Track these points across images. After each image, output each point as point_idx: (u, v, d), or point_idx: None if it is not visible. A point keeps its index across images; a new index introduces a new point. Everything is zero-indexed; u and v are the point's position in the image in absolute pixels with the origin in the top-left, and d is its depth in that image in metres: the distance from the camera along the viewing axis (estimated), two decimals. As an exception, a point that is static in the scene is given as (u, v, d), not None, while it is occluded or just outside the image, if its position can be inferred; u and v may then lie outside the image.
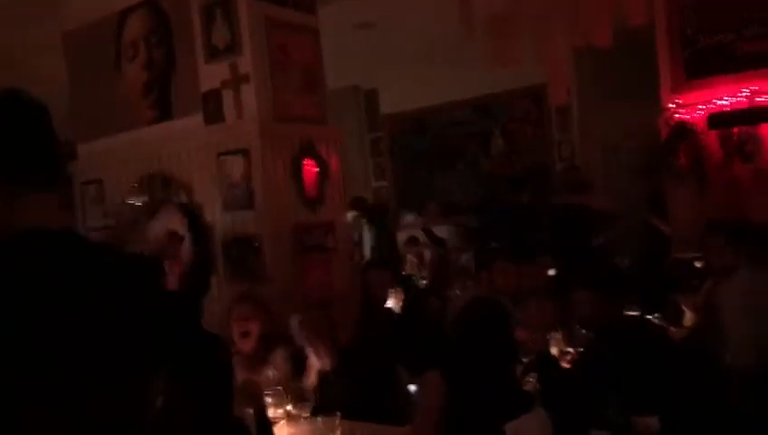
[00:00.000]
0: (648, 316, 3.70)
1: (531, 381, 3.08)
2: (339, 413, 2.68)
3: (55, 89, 5.45)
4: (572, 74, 7.14)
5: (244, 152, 4.24)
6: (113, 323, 1.12)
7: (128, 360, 1.14)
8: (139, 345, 1.15)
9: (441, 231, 6.95)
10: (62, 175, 1.28)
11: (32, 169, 1.18)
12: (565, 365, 3.30)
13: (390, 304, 4.74)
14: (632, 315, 3.46)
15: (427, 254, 6.88)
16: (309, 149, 4.53)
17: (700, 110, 5.90)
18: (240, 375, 3.00)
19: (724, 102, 5.79)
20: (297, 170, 4.45)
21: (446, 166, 8.67)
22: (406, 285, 5.77)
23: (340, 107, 8.07)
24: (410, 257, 7.20)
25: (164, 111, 4.73)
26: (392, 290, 5.60)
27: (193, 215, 3.94)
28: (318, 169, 4.58)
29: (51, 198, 1.19)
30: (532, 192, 6.09)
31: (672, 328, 3.79)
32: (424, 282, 5.87)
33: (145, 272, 1.25)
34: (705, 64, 5.93)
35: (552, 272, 4.67)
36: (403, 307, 4.75)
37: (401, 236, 8.45)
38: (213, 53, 4.35)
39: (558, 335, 3.41)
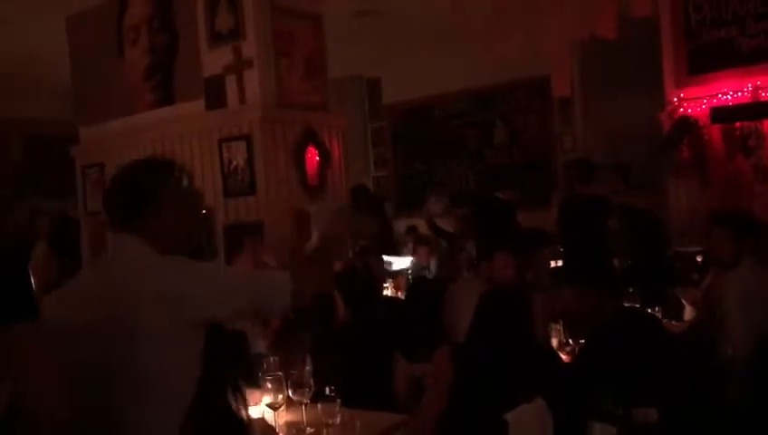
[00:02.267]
0: (648, 309, 3.70)
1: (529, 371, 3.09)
2: (339, 400, 2.68)
3: (58, 73, 5.48)
4: (575, 66, 7.10)
5: (247, 138, 4.23)
6: None
7: None
8: None
9: (445, 222, 6.94)
10: None
11: None
12: (565, 357, 3.31)
13: (390, 292, 4.75)
14: (631, 308, 3.46)
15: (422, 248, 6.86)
16: (311, 136, 4.52)
17: (703, 104, 5.89)
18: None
19: (727, 97, 5.78)
20: (299, 157, 4.45)
21: (447, 156, 8.64)
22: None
23: (342, 96, 8.03)
24: (407, 249, 7.14)
25: (165, 96, 4.72)
26: (390, 279, 5.60)
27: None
28: (320, 157, 4.57)
29: None
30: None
31: (672, 322, 3.79)
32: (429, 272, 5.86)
33: None
34: (708, 59, 5.92)
35: (555, 263, 4.66)
36: (406, 296, 4.76)
37: (401, 225, 8.45)
38: (216, 38, 4.34)
39: (558, 327, 3.41)
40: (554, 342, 3.35)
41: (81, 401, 1.65)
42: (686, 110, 5.97)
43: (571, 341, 3.39)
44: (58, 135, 7.23)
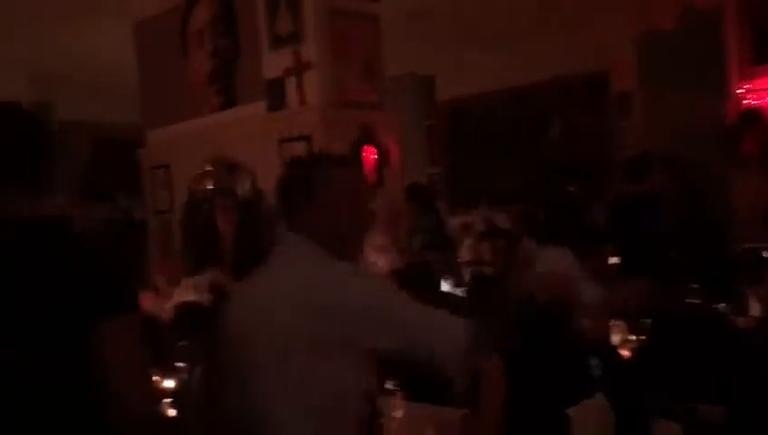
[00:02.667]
0: (713, 305, 3.63)
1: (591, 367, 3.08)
2: (401, 393, 2.73)
3: (126, 76, 5.69)
4: (635, 59, 6.97)
5: (306, 138, 4.32)
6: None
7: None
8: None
9: (501, 218, 6.96)
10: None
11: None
12: (628, 353, 3.28)
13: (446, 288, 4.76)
14: (695, 303, 3.40)
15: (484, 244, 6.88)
16: (369, 135, 4.58)
17: (771, 95, 5.72)
18: None
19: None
20: (357, 156, 4.51)
21: (501, 153, 8.58)
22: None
23: (396, 94, 8.07)
24: (467, 242, 7.16)
25: (229, 99, 4.85)
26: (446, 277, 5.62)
27: None
28: (377, 155, 4.63)
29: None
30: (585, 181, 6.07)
31: (738, 318, 3.71)
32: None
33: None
34: (776, 48, 5.74)
35: (614, 260, 4.62)
36: (467, 292, 4.77)
37: (456, 222, 8.45)
38: (277, 41, 4.44)
39: (620, 323, 3.38)
40: (617, 338, 3.33)
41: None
42: (752, 101, 5.80)
43: (633, 337, 3.37)
44: (124, 138, 7.51)
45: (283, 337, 1.60)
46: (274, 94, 4.48)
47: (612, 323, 3.37)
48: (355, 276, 1.69)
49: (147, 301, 4.12)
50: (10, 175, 1.52)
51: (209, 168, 4.95)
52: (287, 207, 1.73)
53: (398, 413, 2.73)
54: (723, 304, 3.73)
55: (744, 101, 5.82)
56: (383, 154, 4.68)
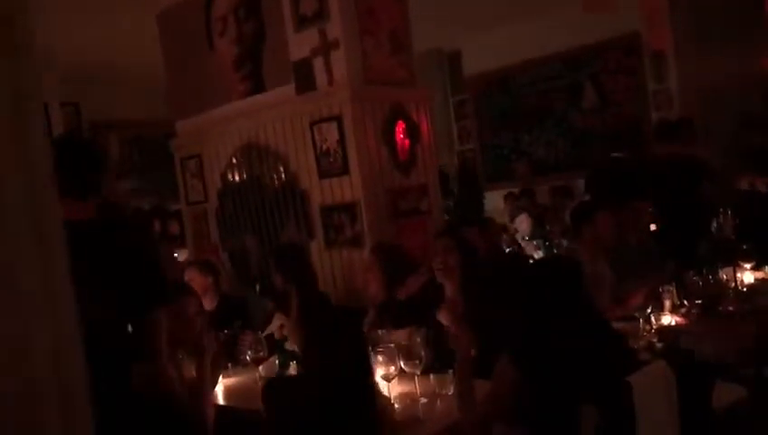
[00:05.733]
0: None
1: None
2: (450, 371, 2.69)
3: (152, 69, 5.68)
4: (668, 18, 6.74)
5: (337, 119, 4.26)
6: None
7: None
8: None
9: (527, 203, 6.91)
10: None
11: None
12: (679, 319, 3.20)
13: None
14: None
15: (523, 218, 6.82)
16: (400, 112, 4.51)
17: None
18: None
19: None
20: (389, 134, 4.45)
21: (534, 124, 8.42)
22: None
23: (423, 70, 7.96)
24: (523, 217, 6.96)
25: (256, 84, 4.80)
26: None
27: None
28: (409, 132, 4.56)
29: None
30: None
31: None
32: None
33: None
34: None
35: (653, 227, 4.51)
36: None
37: (495, 196, 8.39)
38: (302, 22, 4.38)
39: (671, 288, 3.29)
40: (668, 304, 3.25)
41: None
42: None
43: (686, 302, 3.28)
44: (153, 134, 7.55)
45: None
46: (302, 76, 4.42)
47: (663, 288, 3.29)
48: None
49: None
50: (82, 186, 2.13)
51: (240, 155, 4.92)
52: None
53: (449, 390, 2.69)
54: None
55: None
56: (415, 131, 4.61)
